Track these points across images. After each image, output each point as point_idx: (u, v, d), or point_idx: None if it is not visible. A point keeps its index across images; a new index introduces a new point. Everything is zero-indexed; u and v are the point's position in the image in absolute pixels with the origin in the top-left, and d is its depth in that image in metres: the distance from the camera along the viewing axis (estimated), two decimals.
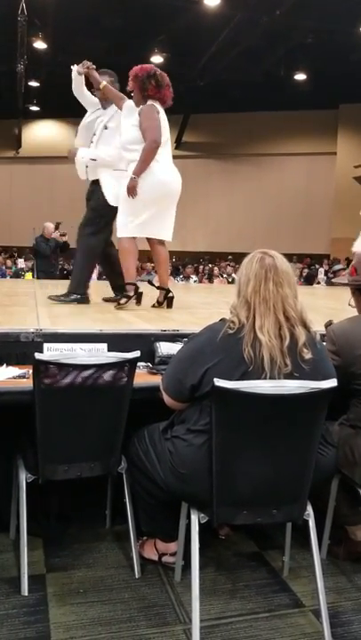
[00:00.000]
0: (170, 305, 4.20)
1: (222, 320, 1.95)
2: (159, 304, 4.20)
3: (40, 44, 14.84)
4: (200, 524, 1.93)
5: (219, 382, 1.69)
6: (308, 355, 1.86)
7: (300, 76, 19.38)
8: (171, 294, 4.21)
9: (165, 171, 3.89)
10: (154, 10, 13.19)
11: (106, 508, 2.70)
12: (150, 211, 3.88)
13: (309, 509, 1.98)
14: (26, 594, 2.13)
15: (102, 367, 2.11)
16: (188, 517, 2.01)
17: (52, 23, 13.70)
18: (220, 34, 14.26)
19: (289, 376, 1.82)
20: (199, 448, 1.90)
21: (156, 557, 2.37)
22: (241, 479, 1.84)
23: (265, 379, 1.80)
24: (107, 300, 4.45)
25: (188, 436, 1.95)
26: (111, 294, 4.52)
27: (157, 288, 4.33)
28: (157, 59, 14.98)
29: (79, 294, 4.23)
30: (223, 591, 2.22)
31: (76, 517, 2.71)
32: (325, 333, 2.30)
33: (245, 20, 13.67)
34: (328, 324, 2.62)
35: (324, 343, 2.19)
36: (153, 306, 4.16)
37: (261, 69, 17.59)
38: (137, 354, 2.14)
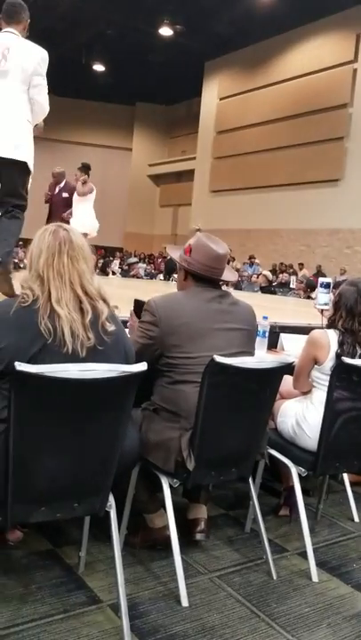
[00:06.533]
0: None
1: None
2: None
3: None
4: None
5: (20, 366, 1.50)
6: (111, 327, 1.79)
7: (99, 67, 19.41)
8: None
9: None
10: None
11: None
12: None
13: (111, 500, 1.88)
14: None
15: None
16: None
17: None
18: None
19: (93, 349, 1.73)
20: None
21: None
22: (41, 473, 1.66)
23: (67, 352, 1.68)
24: None
25: None
26: None
27: None
28: None
29: None
30: (13, 597, 2.02)
31: None
32: (145, 306, 2.26)
33: None
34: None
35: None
36: None
37: (60, 53, 17.19)
38: None
